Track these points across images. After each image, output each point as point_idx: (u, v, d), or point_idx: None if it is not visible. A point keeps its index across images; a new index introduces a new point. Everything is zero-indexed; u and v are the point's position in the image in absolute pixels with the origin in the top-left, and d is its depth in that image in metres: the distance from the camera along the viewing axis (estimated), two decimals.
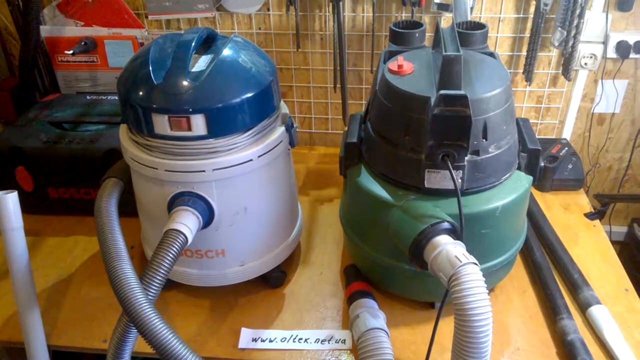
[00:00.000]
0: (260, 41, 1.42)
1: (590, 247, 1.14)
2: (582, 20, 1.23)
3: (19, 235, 0.87)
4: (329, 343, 0.92)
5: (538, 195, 1.30)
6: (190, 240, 0.81)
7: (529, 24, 1.31)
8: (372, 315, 0.90)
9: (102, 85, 1.49)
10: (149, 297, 0.73)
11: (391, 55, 0.99)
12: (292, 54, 1.43)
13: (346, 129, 0.99)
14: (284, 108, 0.97)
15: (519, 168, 0.90)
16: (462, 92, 0.75)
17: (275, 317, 0.98)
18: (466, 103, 0.74)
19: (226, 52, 0.86)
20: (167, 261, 0.76)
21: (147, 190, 0.90)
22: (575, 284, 1.00)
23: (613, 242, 1.19)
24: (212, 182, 0.86)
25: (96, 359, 1.37)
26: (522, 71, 1.37)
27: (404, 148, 0.84)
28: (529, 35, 1.31)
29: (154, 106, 0.80)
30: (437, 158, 0.79)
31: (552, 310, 0.95)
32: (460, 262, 0.70)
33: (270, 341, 0.93)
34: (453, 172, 0.78)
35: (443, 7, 1.29)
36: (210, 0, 1.34)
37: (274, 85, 0.90)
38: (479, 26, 1.05)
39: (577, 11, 1.20)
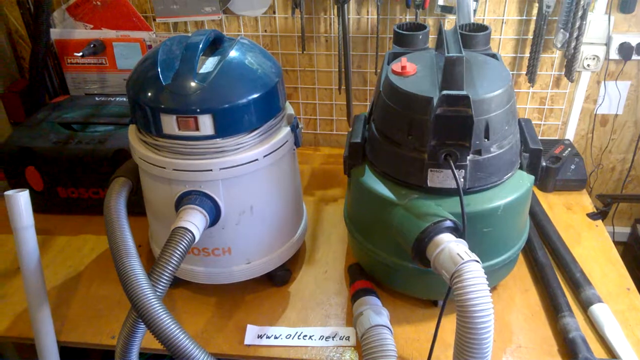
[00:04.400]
0: (266, 43, 1.43)
1: (592, 247, 1.14)
2: (584, 22, 1.24)
3: (30, 233, 0.88)
4: (333, 340, 0.93)
5: (541, 195, 1.31)
6: (197, 238, 0.82)
7: (532, 26, 1.32)
8: (376, 313, 0.91)
9: (110, 87, 1.51)
10: (157, 293, 0.74)
11: (395, 56, 1.00)
12: (297, 55, 1.44)
13: (350, 129, 1.00)
14: (290, 109, 0.99)
15: (521, 168, 0.92)
16: (464, 92, 0.76)
17: (281, 315, 0.99)
18: (468, 103, 0.76)
19: (233, 53, 0.88)
20: (175, 258, 0.78)
21: (155, 189, 0.92)
22: (577, 282, 1.01)
23: (616, 243, 1.19)
24: (219, 181, 0.87)
25: (104, 355, 1.39)
26: (525, 72, 1.38)
27: (407, 148, 0.85)
28: (531, 37, 1.32)
29: (163, 106, 0.82)
30: (440, 157, 0.81)
31: (554, 308, 0.96)
32: (463, 259, 0.71)
33: (276, 338, 0.94)
34: (455, 171, 0.79)
35: (446, 10, 1.30)
36: (217, 3, 1.36)
37: (280, 86, 0.92)
38: (482, 28, 1.06)
39: (580, 13, 1.21)
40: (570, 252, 1.08)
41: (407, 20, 1.34)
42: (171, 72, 0.84)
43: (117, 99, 1.38)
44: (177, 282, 1.04)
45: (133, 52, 1.44)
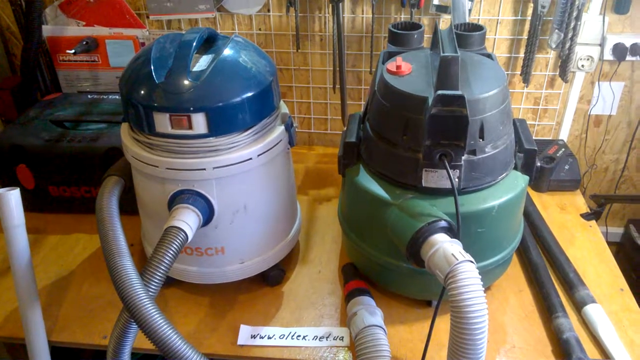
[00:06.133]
0: (260, 42, 1.43)
1: (586, 247, 1.15)
2: (579, 23, 1.24)
3: (21, 232, 0.88)
4: (327, 340, 0.93)
5: (535, 195, 1.31)
6: (190, 237, 0.82)
7: (527, 26, 1.32)
8: (370, 313, 0.90)
9: (103, 85, 1.50)
10: (150, 293, 0.74)
11: (390, 56, 1.00)
12: (292, 54, 1.44)
13: (345, 128, 1.00)
14: (284, 108, 0.98)
15: (515, 168, 0.91)
16: (459, 92, 0.76)
17: (274, 315, 0.99)
18: (463, 103, 0.75)
19: (227, 52, 0.87)
20: (167, 258, 0.77)
21: (148, 188, 0.91)
22: (571, 283, 1.01)
23: (609, 243, 1.20)
24: (213, 180, 0.87)
25: (96, 355, 1.38)
26: (519, 73, 1.38)
27: (402, 147, 0.85)
28: (526, 37, 1.32)
29: (156, 105, 0.81)
30: (435, 157, 0.80)
31: (547, 309, 0.96)
32: (457, 260, 0.71)
33: (269, 338, 0.94)
34: (450, 171, 0.79)
35: (442, 9, 1.30)
36: (211, 0, 1.35)
37: (274, 84, 0.91)
38: (477, 28, 1.06)
39: (574, 14, 1.22)
40: (564, 252, 1.09)
41: (402, 20, 1.34)
42: (164, 70, 0.83)
43: (110, 96, 1.37)
44: (169, 282, 1.03)
45: (126, 49, 1.43)
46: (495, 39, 1.35)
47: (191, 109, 0.81)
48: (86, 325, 0.97)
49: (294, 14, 1.34)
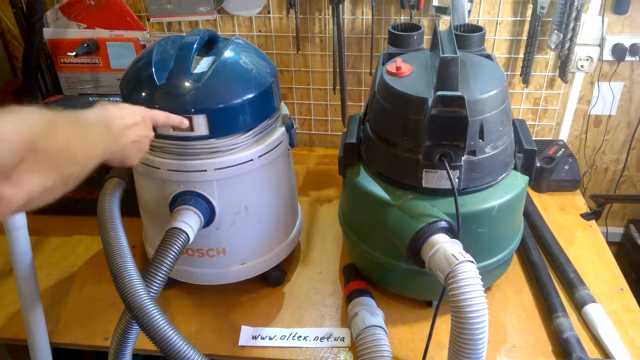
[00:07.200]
0: (260, 43, 1.43)
1: (586, 247, 1.15)
2: (578, 23, 1.24)
3: (23, 234, 0.88)
4: (327, 341, 0.93)
5: (535, 195, 1.31)
6: (191, 238, 0.82)
7: (526, 27, 1.32)
8: (371, 313, 0.91)
9: (104, 87, 1.50)
10: (151, 294, 0.74)
11: (390, 57, 1.00)
12: (292, 56, 1.44)
13: (345, 130, 1.00)
14: (284, 109, 0.99)
15: (515, 168, 0.92)
16: (459, 93, 0.76)
17: (275, 315, 0.99)
18: (463, 104, 0.76)
19: (227, 53, 0.87)
20: (169, 259, 0.77)
21: (150, 190, 0.92)
22: (571, 282, 1.01)
23: (610, 243, 1.20)
24: (214, 181, 0.87)
25: (97, 357, 1.38)
26: (519, 73, 1.38)
27: (402, 148, 0.85)
28: (526, 37, 1.33)
29: (157, 107, 0.81)
30: (435, 158, 0.81)
31: (548, 309, 0.96)
32: (457, 260, 0.71)
33: (270, 339, 0.94)
34: (450, 172, 0.79)
35: (441, 10, 1.30)
36: (211, 2, 1.36)
37: (275, 86, 0.91)
38: (477, 29, 1.06)
39: (574, 14, 1.22)
40: (564, 252, 1.09)
41: (402, 21, 1.34)
42: (165, 72, 0.84)
43: (111, 99, 1.37)
44: (171, 283, 1.04)
45: (127, 52, 1.44)
46: (494, 39, 1.36)
47: (192, 110, 0.81)
48: (88, 326, 0.98)
49: (294, 16, 1.34)
